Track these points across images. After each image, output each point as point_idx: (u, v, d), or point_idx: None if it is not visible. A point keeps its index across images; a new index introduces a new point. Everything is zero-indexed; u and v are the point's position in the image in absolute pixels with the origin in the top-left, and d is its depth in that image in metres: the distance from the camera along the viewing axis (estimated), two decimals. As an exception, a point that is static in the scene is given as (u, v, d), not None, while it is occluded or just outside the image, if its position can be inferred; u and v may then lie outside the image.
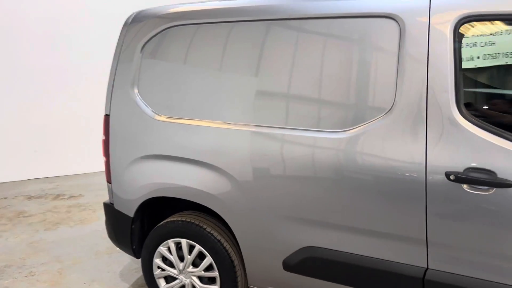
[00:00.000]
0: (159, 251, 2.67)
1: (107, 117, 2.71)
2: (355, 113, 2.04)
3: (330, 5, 2.11)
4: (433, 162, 1.88)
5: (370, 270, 2.09)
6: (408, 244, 1.99)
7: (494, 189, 1.80)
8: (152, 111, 2.55)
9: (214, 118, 2.38)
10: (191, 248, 2.57)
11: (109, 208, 2.86)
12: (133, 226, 2.74)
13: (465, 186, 1.84)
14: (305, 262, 2.22)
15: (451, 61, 1.86)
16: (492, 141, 1.80)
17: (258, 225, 2.31)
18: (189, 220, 2.56)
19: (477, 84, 1.96)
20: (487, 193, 1.81)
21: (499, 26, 1.89)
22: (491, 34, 2.00)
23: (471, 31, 1.90)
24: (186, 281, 2.63)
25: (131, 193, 2.66)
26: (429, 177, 1.89)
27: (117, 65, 2.68)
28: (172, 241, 2.61)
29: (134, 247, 2.81)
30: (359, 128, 2.03)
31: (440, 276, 1.95)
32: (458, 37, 1.87)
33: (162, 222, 2.67)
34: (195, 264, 2.59)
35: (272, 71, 2.22)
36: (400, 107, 1.94)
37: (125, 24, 2.71)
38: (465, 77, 1.90)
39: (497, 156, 1.79)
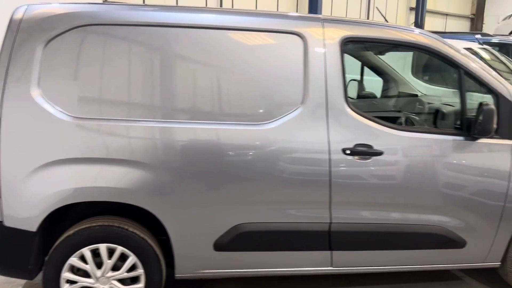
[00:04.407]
0: (69, 263, 2.49)
1: None
2: (277, 108, 2.56)
3: (258, 20, 2.61)
4: (333, 141, 2.58)
5: (291, 232, 2.63)
6: (317, 207, 2.62)
7: (372, 157, 2.62)
8: (63, 112, 2.40)
9: (145, 116, 2.46)
10: (110, 252, 2.52)
11: None
12: (33, 242, 2.45)
13: (355, 157, 2.60)
14: (237, 238, 2.57)
15: (340, 68, 2.61)
16: (369, 124, 2.64)
17: (189, 213, 2.52)
18: (107, 224, 2.51)
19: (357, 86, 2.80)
20: (368, 160, 2.62)
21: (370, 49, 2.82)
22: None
23: (350, 49, 2.72)
24: (104, 288, 2.54)
25: (35, 204, 2.40)
26: (331, 153, 2.57)
27: (8, 63, 2.39)
28: (88, 248, 2.49)
29: (30, 266, 2.50)
30: (281, 118, 2.55)
31: (340, 226, 2.66)
32: (342, 51, 2.64)
33: (71, 231, 2.50)
34: (114, 267, 2.54)
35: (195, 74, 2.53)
36: (309, 101, 2.58)
37: (15, 19, 2.44)
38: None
39: (372, 134, 2.64)
